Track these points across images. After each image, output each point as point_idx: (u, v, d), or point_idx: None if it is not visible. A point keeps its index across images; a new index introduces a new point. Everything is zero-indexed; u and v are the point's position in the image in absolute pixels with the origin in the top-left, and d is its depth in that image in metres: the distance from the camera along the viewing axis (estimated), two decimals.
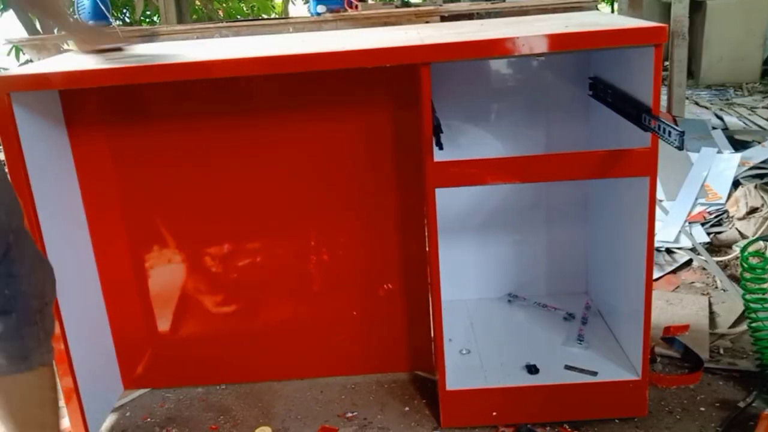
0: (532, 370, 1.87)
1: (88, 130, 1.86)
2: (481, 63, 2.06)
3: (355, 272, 2.03)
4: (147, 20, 6.89)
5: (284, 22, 3.50)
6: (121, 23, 6.55)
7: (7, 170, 1.64)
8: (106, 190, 1.92)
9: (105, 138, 1.88)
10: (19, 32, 5.28)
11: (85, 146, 1.87)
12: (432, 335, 1.97)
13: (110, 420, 1.97)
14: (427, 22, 3.30)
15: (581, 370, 1.85)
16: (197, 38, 2.31)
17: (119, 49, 1.87)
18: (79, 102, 1.83)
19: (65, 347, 1.73)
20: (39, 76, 1.59)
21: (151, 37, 3.38)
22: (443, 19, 3.42)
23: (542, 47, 1.52)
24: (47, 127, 1.76)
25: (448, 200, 1.92)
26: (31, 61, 3.98)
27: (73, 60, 1.77)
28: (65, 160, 1.85)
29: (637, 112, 1.61)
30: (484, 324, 2.14)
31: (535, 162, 1.65)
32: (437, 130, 1.57)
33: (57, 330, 1.69)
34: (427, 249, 1.88)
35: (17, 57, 5.69)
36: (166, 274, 2.02)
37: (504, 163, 1.63)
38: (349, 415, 1.92)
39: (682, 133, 1.41)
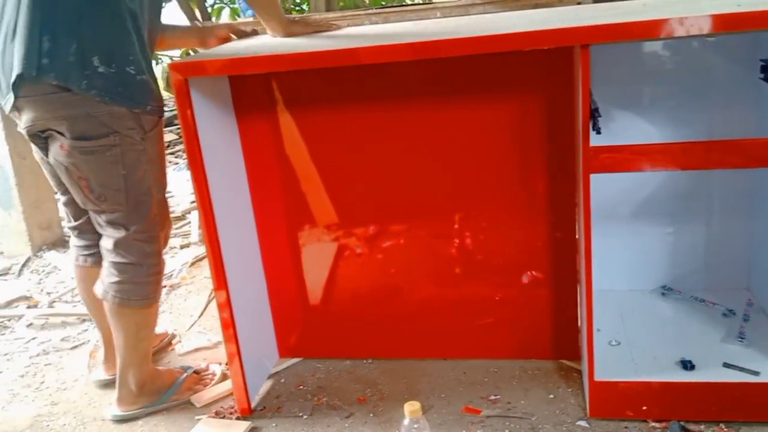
0: (688, 366, 1.79)
1: (252, 113, 1.99)
2: (638, 45, 1.99)
3: (500, 257, 2.03)
4: (296, 8, 7.14)
5: (431, 7, 3.51)
6: None
7: (148, 155, 1.83)
8: (268, 170, 2.04)
9: (267, 120, 2.00)
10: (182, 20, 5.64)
11: (250, 128, 2.00)
12: (580, 324, 1.94)
13: (266, 385, 2.11)
14: (579, 3, 3.20)
15: (742, 369, 1.76)
16: (348, 25, 2.37)
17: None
18: (245, 86, 1.96)
19: (230, 315, 1.86)
20: (208, 63, 1.70)
21: None
22: (595, 0, 3.30)
23: (712, 27, 1.44)
24: (218, 110, 1.89)
25: (599, 187, 1.87)
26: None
27: (257, 44, 1.89)
28: (233, 140, 1.99)
29: None
30: (635, 316, 2.08)
31: (699, 148, 1.58)
32: (594, 114, 1.54)
33: (223, 299, 1.85)
34: (578, 236, 1.85)
35: None
36: (319, 251, 2.12)
37: (666, 148, 1.57)
38: (493, 397, 1.94)
39: None
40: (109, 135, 1.75)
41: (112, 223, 1.85)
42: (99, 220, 1.88)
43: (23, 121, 1.77)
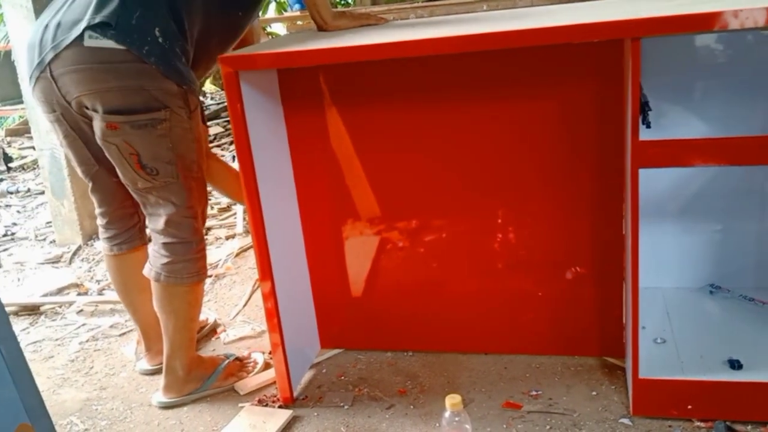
0: (735, 365, 1.76)
1: (300, 106, 2.01)
2: (690, 37, 1.95)
3: (543, 252, 2.02)
4: (342, 2, 7.17)
5: (478, 0, 3.50)
6: None
7: (193, 134, 1.87)
8: (313, 162, 2.06)
9: (314, 114, 2.01)
10: None
11: (297, 121, 2.02)
12: (624, 321, 1.92)
13: (308, 375, 2.14)
14: None
15: None
16: (394, 19, 2.38)
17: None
18: (294, 80, 1.98)
19: (274, 305, 1.89)
20: (259, 56, 1.72)
21: None
22: None
23: None
24: (266, 103, 1.92)
25: (647, 182, 1.84)
26: None
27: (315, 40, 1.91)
28: (280, 133, 2.01)
29: None
30: (681, 314, 2.04)
31: (752, 144, 1.54)
32: (645, 108, 1.52)
33: (268, 289, 1.88)
34: (625, 232, 1.82)
35: None
36: (362, 244, 2.14)
37: (717, 143, 1.54)
38: (534, 393, 1.93)
39: None
40: (161, 109, 1.78)
41: (163, 200, 1.88)
42: (148, 200, 1.91)
43: (64, 93, 1.77)
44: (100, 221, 2.12)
